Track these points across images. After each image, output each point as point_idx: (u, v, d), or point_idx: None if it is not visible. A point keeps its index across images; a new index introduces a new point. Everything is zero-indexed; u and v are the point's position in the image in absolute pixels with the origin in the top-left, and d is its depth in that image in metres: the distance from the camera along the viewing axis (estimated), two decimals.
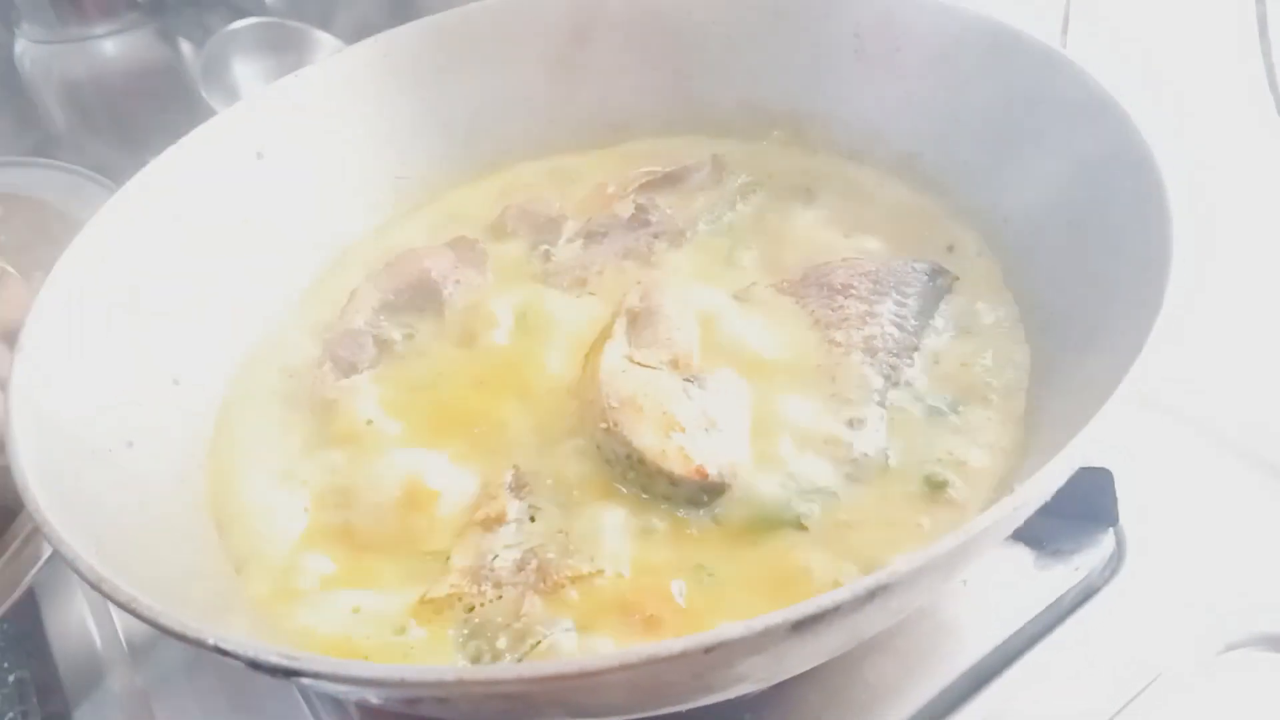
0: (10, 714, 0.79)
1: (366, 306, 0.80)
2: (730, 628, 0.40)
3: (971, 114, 0.80)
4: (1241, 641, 0.66)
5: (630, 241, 0.84)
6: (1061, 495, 0.50)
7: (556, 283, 0.82)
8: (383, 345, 0.78)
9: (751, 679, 0.49)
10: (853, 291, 0.73)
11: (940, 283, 0.75)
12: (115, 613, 0.80)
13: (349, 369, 0.76)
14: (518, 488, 0.65)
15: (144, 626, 0.63)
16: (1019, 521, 0.49)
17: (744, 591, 0.58)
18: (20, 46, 1.35)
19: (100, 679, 0.78)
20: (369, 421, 0.72)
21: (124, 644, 0.79)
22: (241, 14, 1.31)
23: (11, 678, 0.81)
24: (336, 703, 0.68)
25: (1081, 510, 0.70)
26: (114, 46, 1.32)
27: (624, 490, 0.64)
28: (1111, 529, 0.71)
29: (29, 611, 0.84)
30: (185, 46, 1.35)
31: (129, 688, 0.76)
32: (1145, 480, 0.73)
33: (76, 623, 0.82)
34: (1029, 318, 0.72)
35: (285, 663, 0.43)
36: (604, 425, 0.65)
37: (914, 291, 0.73)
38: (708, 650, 0.40)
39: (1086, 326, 0.63)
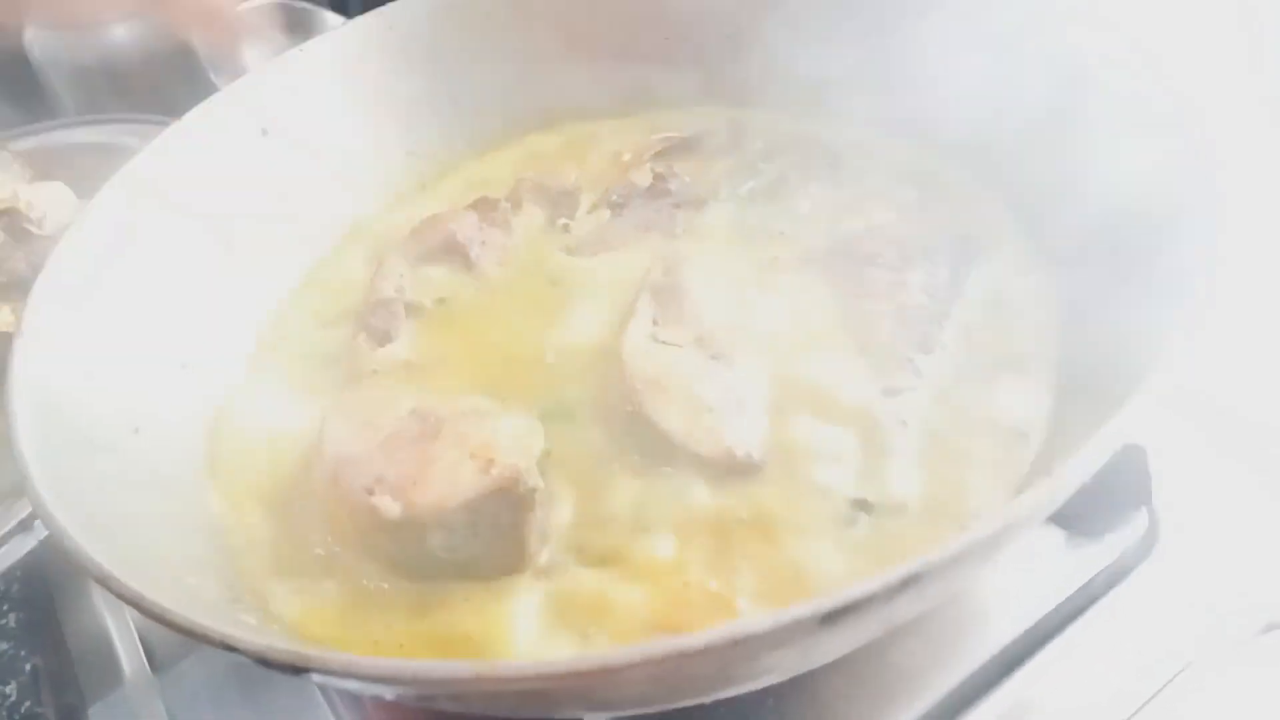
0: (27, 703, 0.78)
1: (395, 274, 0.78)
2: (757, 620, 0.38)
3: (1003, 88, 0.76)
4: (1278, 624, 0.64)
5: (651, 212, 0.82)
6: (1095, 473, 0.47)
7: (579, 254, 0.81)
8: (414, 311, 0.77)
9: (778, 671, 0.47)
10: (880, 260, 0.71)
11: (969, 250, 0.73)
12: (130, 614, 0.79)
13: (383, 338, 0.75)
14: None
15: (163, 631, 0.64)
16: (1059, 504, 0.47)
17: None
18: (30, 33, 1.34)
19: (114, 671, 0.77)
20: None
21: (136, 635, 0.78)
22: None
23: (28, 666, 0.80)
24: (353, 697, 0.67)
25: (1114, 488, 0.68)
26: (124, 32, 1.32)
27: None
28: (1145, 508, 0.70)
29: (43, 601, 0.83)
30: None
31: (143, 679, 0.75)
32: (1180, 458, 0.71)
33: (90, 613, 0.81)
34: (1063, 288, 0.69)
35: (295, 659, 0.41)
36: (630, 408, 0.64)
37: (943, 259, 0.71)
38: (734, 644, 0.38)
39: (1124, 300, 0.61)
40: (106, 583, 0.47)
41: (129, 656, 0.76)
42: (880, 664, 0.64)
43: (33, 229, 0.91)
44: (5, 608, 0.83)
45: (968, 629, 0.65)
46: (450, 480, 0.55)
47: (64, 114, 1.37)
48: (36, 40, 1.33)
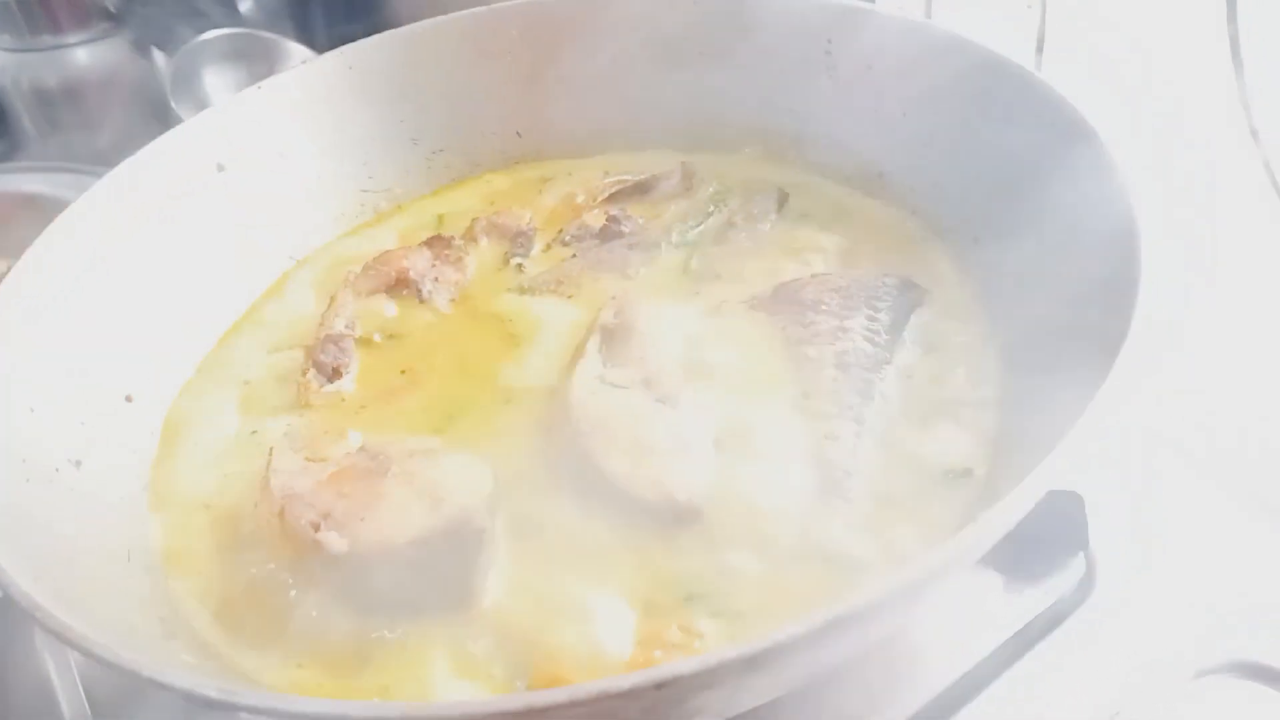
0: None
1: (346, 310, 0.79)
2: (683, 663, 0.39)
3: (943, 134, 0.80)
4: (1214, 668, 0.65)
5: (604, 253, 0.83)
6: (1031, 518, 0.48)
7: (531, 294, 0.81)
8: (364, 346, 0.78)
9: (707, 713, 0.47)
10: (824, 307, 0.72)
11: (911, 296, 0.74)
12: (73, 660, 0.77)
13: (332, 375, 0.76)
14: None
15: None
16: (985, 548, 0.48)
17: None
18: None
19: (50, 701, 0.75)
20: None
21: (79, 681, 0.76)
22: (216, 25, 1.30)
23: None
24: None
25: (1051, 534, 0.69)
26: (86, 55, 1.33)
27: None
28: (1082, 553, 0.70)
29: None
30: (158, 56, 1.34)
31: (78, 710, 0.74)
32: (1116, 504, 0.72)
33: (32, 657, 0.79)
34: (1000, 336, 0.71)
35: (223, 696, 0.41)
36: (575, 450, 0.64)
37: (885, 305, 0.72)
38: (659, 686, 0.39)
39: (1055, 349, 0.62)
40: (37, 615, 0.47)
41: (70, 703, 0.75)
42: (817, 708, 0.63)
43: None
44: None
45: (905, 673, 0.65)
46: (398, 518, 0.56)
47: (23, 135, 1.37)
48: None
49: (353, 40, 0.92)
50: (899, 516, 0.61)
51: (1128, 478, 0.75)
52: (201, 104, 1.25)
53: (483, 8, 0.93)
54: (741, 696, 0.48)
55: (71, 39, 1.33)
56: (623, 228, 0.84)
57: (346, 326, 0.78)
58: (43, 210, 0.75)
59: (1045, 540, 0.69)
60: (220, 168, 0.84)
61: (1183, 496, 0.75)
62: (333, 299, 0.81)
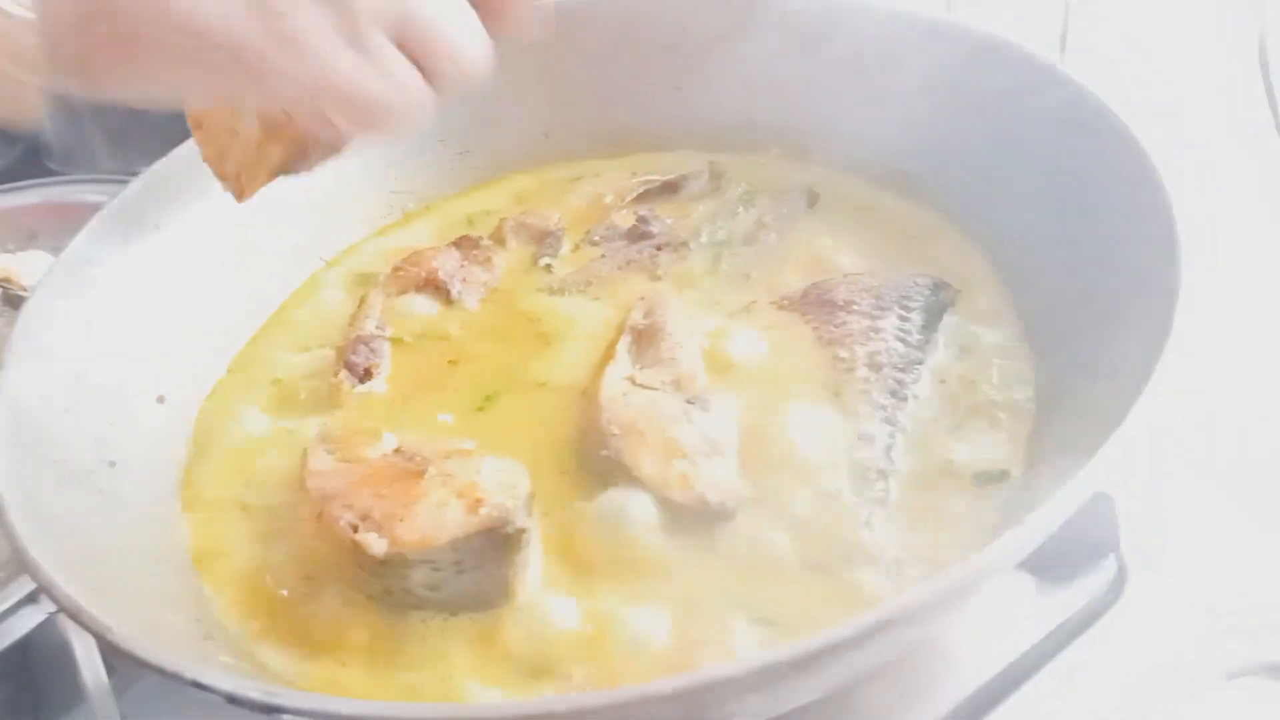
0: None
1: (376, 311, 0.79)
2: (726, 666, 0.39)
3: (971, 133, 0.79)
4: (1244, 670, 0.65)
5: (633, 253, 0.83)
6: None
7: (561, 295, 0.82)
8: (394, 346, 0.78)
9: (749, 715, 0.47)
10: (855, 307, 0.72)
11: (943, 296, 0.74)
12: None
13: (364, 376, 0.76)
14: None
15: None
16: (1028, 552, 0.48)
17: None
18: None
19: (79, 701, 0.76)
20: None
21: (98, 651, 0.77)
22: None
23: None
24: None
25: (1083, 535, 0.68)
26: None
27: None
28: (1113, 554, 0.70)
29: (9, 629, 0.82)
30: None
31: (104, 697, 0.74)
32: (1146, 506, 0.71)
33: (59, 641, 0.80)
34: (1033, 336, 0.71)
35: (265, 698, 0.41)
36: (605, 452, 0.64)
37: (917, 306, 0.72)
38: (705, 689, 0.39)
39: (1092, 348, 0.62)
40: (78, 616, 0.47)
41: (90, 672, 0.75)
42: (849, 710, 0.63)
43: (25, 295, 0.92)
44: None
45: (936, 675, 0.65)
46: (437, 518, 0.56)
47: (40, 134, 1.37)
48: None
49: None
50: (933, 519, 0.60)
51: (1155, 478, 0.74)
52: None
53: None
54: (783, 699, 0.48)
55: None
56: (651, 228, 0.84)
57: (377, 327, 0.78)
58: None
59: (1076, 541, 0.68)
60: None
61: (1209, 496, 0.74)
62: (363, 300, 0.81)
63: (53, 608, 0.67)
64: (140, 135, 1.20)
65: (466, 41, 0.56)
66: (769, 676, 0.39)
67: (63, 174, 1.12)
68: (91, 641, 0.74)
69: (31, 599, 0.71)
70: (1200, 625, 0.67)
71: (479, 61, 0.57)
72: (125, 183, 0.89)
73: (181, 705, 0.69)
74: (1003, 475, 0.63)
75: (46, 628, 0.78)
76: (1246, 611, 0.67)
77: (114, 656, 0.46)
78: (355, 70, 0.51)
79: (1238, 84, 1.02)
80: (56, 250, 0.90)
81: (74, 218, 0.88)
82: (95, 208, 0.77)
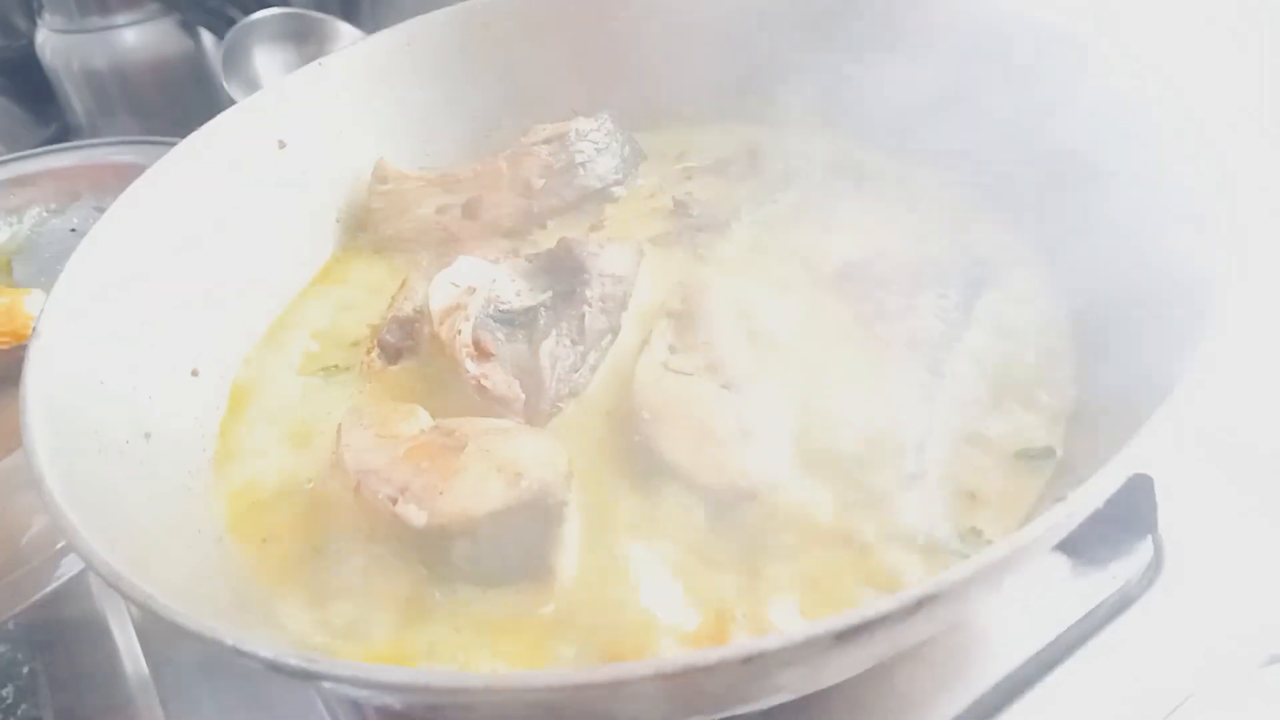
0: (24, 706, 0.78)
1: (416, 295, 0.79)
2: (770, 638, 0.39)
3: (1006, 107, 0.78)
4: None
5: (673, 235, 0.83)
6: None
7: None
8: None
9: (788, 689, 0.47)
10: (893, 285, 0.72)
11: (981, 274, 0.74)
12: (130, 608, 0.79)
13: (395, 356, 0.76)
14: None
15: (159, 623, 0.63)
16: (1068, 531, 0.47)
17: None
18: (42, 35, 1.37)
19: (115, 675, 0.77)
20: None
21: (135, 636, 0.78)
22: (264, 5, 1.31)
23: (25, 669, 0.80)
24: (353, 704, 0.67)
25: (1120, 516, 0.68)
26: (134, 36, 1.34)
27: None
28: (1150, 536, 0.70)
29: (47, 603, 0.83)
30: (206, 37, 1.35)
31: (142, 684, 0.75)
32: (1185, 488, 0.71)
33: (94, 616, 0.81)
34: (1075, 316, 0.70)
35: (305, 665, 0.41)
36: (636, 437, 0.65)
37: (955, 283, 0.72)
38: (746, 661, 0.39)
39: (1135, 329, 0.61)
40: (119, 585, 0.47)
41: (129, 658, 0.76)
42: (886, 689, 0.63)
43: None
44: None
45: (972, 655, 0.65)
46: (477, 491, 0.56)
47: (73, 115, 1.38)
48: (48, 43, 1.34)
49: (397, 18, 0.92)
50: (974, 496, 0.60)
51: (1194, 459, 0.74)
52: (252, 83, 1.26)
53: None
54: (823, 673, 0.48)
55: (120, 20, 1.33)
56: (690, 210, 0.84)
57: (414, 310, 0.77)
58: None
59: (1113, 523, 0.67)
60: (282, 144, 0.85)
61: (1247, 479, 0.74)
62: (404, 282, 0.81)
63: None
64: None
65: None
66: (810, 650, 0.39)
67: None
68: (130, 627, 0.76)
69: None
70: (1237, 609, 0.67)
71: None
72: (156, 144, 0.90)
73: (218, 686, 0.71)
74: (1046, 453, 0.62)
75: (86, 612, 0.80)
76: None
77: (152, 623, 0.46)
78: None
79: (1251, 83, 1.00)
80: (98, 208, 0.91)
81: (112, 177, 0.90)
82: (130, 168, 0.77)
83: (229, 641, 0.43)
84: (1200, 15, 0.96)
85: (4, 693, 0.78)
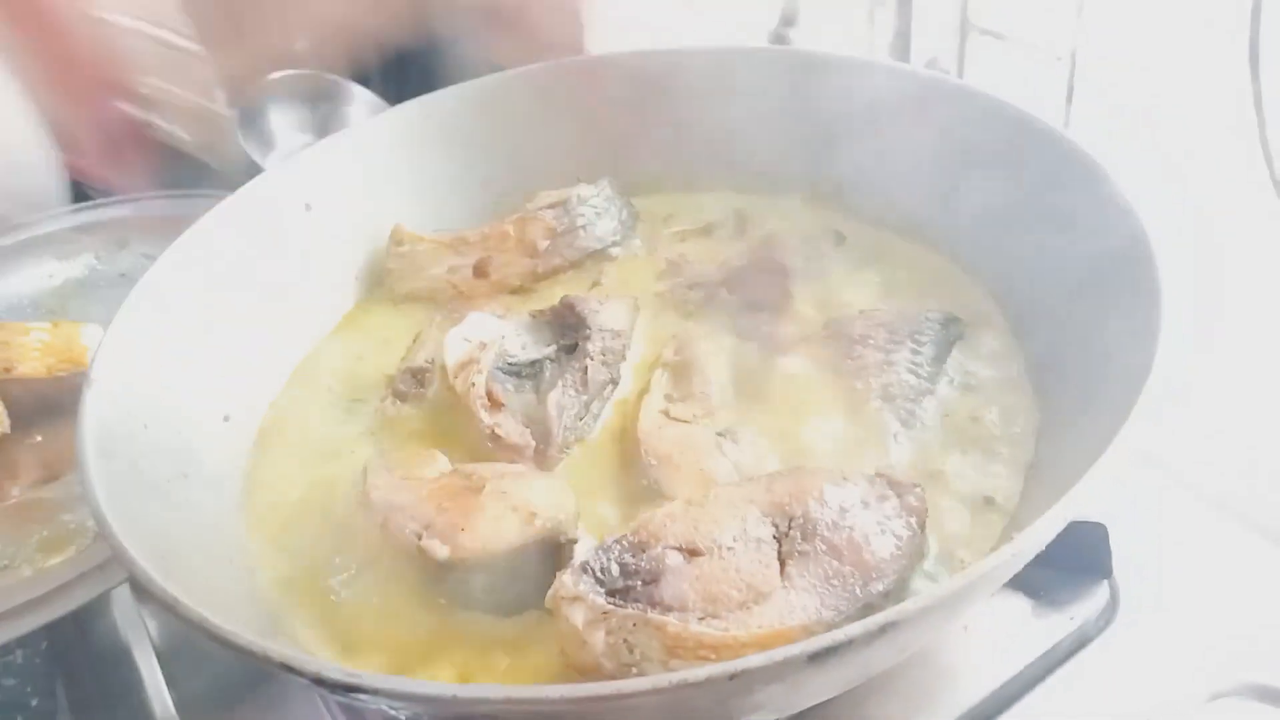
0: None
1: (429, 346, 0.85)
2: (753, 658, 0.44)
3: (979, 188, 0.85)
4: (1228, 690, 0.69)
5: (666, 293, 0.89)
6: (1059, 547, 0.53)
7: None
8: (444, 376, 0.81)
9: (769, 707, 0.52)
10: (870, 341, 0.77)
11: (952, 330, 0.79)
12: (148, 632, 0.83)
13: (407, 402, 0.81)
14: None
15: (177, 648, 0.71)
16: (1017, 568, 0.53)
17: None
18: None
19: (134, 701, 0.81)
20: None
21: (154, 655, 0.82)
22: (274, 65, 1.37)
23: (34, 702, 0.84)
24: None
25: (1077, 562, 0.73)
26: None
27: None
28: (1106, 581, 0.74)
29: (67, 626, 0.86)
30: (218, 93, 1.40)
31: (163, 711, 0.79)
32: (1139, 535, 0.76)
33: (112, 632, 0.85)
34: (1035, 375, 0.76)
35: (346, 679, 0.47)
36: (645, 482, 0.71)
37: (928, 339, 0.78)
38: (731, 677, 0.44)
39: (1084, 388, 0.67)
40: (176, 609, 0.52)
41: (151, 684, 0.80)
42: (859, 718, 0.68)
43: None
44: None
45: (939, 688, 0.69)
46: (495, 529, 0.62)
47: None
48: None
49: (405, 80, 0.98)
50: (934, 541, 0.65)
51: (1147, 509, 0.79)
52: (267, 140, 1.31)
53: (548, 62, 1.00)
54: (801, 693, 0.53)
55: None
56: (682, 269, 0.90)
57: (426, 360, 0.83)
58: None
59: (1071, 568, 0.73)
60: (308, 207, 0.91)
61: (1198, 527, 0.79)
62: (418, 335, 0.87)
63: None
64: None
65: None
66: (788, 669, 0.45)
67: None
68: (152, 656, 0.81)
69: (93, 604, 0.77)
70: (1187, 648, 0.71)
71: None
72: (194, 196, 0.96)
73: (238, 714, 0.76)
74: (999, 501, 0.68)
75: (108, 632, 0.84)
76: (1231, 636, 0.72)
77: (206, 643, 0.51)
78: None
79: (1238, 137, 1.06)
80: (146, 255, 0.97)
81: (158, 226, 0.96)
82: (172, 219, 0.84)
83: (278, 658, 0.48)
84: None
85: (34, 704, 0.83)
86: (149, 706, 0.79)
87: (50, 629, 0.81)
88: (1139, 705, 0.69)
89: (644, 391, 0.78)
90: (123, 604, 0.84)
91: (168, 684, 0.80)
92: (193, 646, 0.80)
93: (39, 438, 0.91)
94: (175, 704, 0.78)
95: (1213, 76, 1.08)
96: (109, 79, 0.97)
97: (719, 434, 0.73)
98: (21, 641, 0.77)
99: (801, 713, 0.62)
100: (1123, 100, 1.18)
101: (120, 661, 0.83)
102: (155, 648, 0.82)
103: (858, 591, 0.57)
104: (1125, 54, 1.19)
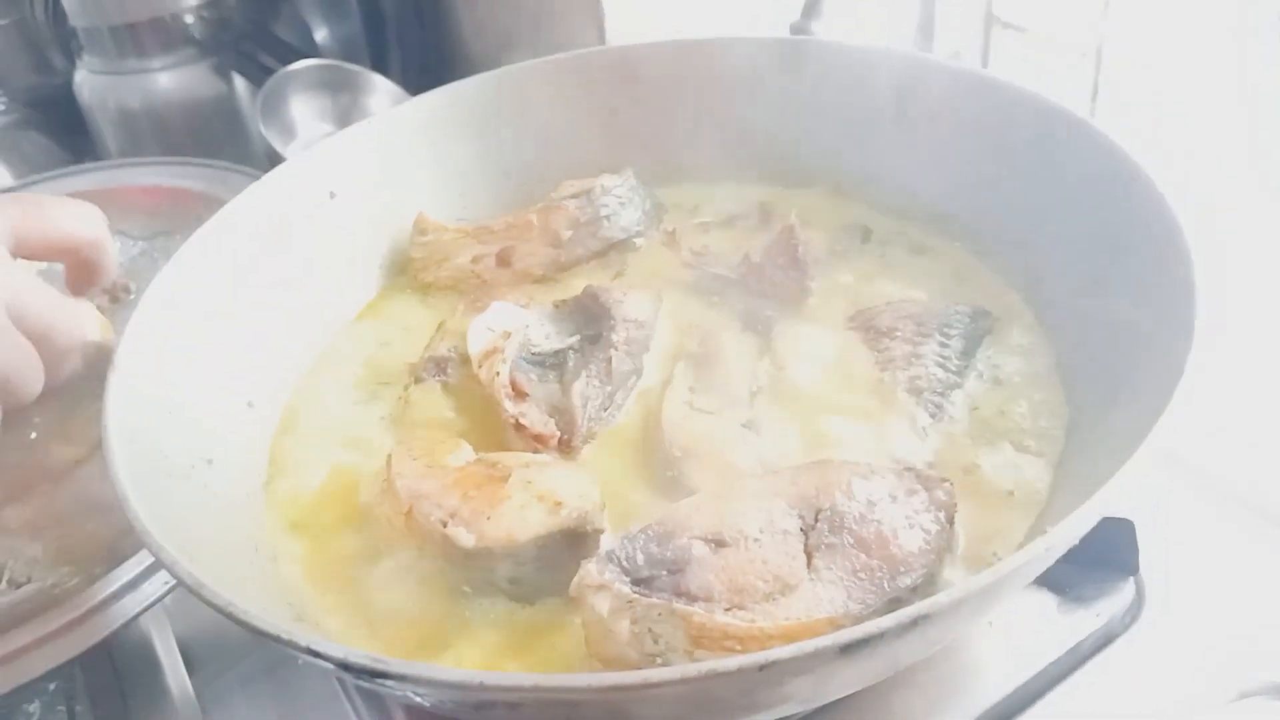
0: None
1: (451, 336, 0.85)
2: (784, 649, 0.44)
3: (1005, 180, 0.85)
4: (1255, 690, 0.69)
5: (689, 283, 0.89)
6: (1085, 544, 0.53)
7: None
8: (465, 365, 0.82)
9: (797, 699, 0.52)
10: (898, 334, 0.77)
11: (982, 324, 0.79)
12: (170, 622, 0.83)
13: (429, 389, 0.81)
14: None
15: (199, 639, 0.72)
16: (1049, 563, 0.52)
17: None
18: (80, 76, 1.42)
19: (156, 688, 0.81)
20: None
21: (178, 651, 0.82)
22: (293, 51, 1.38)
23: (51, 685, 0.83)
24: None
25: (1104, 559, 0.73)
26: (169, 80, 1.39)
27: None
28: (1132, 578, 0.74)
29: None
30: (239, 82, 1.41)
31: (184, 698, 0.79)
32: (1166, 532, 0.75)
33: (141, 643, 0.85)
34: (1064, 369, 0.75)
35: (373, 664, 0.46)
36: (670, 474, 0.70)
37: (957, 333, 0.77)
38: (761, 668, 0.44)
39: (1115, 384, 0.67)
40: (201, 593, 0.52)
41: (173, 672, 0.80)
42: (882, 712, 0.68)
43: None
44: None
45: (964, 684, 0.69)
46: (521, 518, 0.62)
47: (104, 151, 1.44)
48: (85, 83, 1.40)
49: (426, 70, 0.98)
50: (962, 537, 0.65)
51: (1174, 506, 0.79)
52: (288, 130, 1.32)
53: (574, 51, 1.00)
54: (829, 685, 0.53)
55: (155, 64, 1.38)
56: (705, 259, 0.89)
57: (448, 350, 0.83)
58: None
59: (1098, 564, 0.73)
60: (332, 195, 0.91)
61: (1225, 524, 0.79)
62: (441, 324, 0.87)
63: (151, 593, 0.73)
64: None
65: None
66: (819, 660, 0.44)
67: None
68: (173, 642, 0.81)
69: (117, 596, 0.77)
70: (1213, 646, 0.71)
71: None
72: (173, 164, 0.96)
73: (259, 702, 0.76)
74: (1023, 497, 0.67)
75: (131, 629, 0.83)
76: (1258, 634, 0.71)
77: (230, 630, 0.50)
78: None
79: (1264, 130, 1.06)
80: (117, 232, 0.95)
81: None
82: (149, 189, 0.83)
83: (302, 643, 0.48)
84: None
85: (30, 708, 0.80)
86: (169, 694, 0.79)
87: None
88: (1164, 703, 0.68)
89: (667, 383, 0.77)
90: None
91: (189, 672, 0.80)
92: (214, 634, 0.80)
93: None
94: (196, 691, 0.78)
95: (1241, 75, 1.08)
96: None
97: (743, 426, 0.73)
98: None
99: (825, 707, 0.63)
100: (1148, 98, 1.17)
101: (142, 650, 0.82)
102: (176, 636, 0.82)
103: (885, 586, 0.56)
104: (1152, 51, 1.18)
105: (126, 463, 0.62)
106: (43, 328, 0.68)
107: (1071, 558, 0.54)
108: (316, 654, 0.48)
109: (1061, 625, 0.72)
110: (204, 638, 0.81)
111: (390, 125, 0.95)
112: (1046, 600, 0.73)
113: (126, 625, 0.72)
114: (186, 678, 0.79)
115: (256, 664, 0.78)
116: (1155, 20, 1.18)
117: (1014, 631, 0.71)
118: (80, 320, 0.73)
